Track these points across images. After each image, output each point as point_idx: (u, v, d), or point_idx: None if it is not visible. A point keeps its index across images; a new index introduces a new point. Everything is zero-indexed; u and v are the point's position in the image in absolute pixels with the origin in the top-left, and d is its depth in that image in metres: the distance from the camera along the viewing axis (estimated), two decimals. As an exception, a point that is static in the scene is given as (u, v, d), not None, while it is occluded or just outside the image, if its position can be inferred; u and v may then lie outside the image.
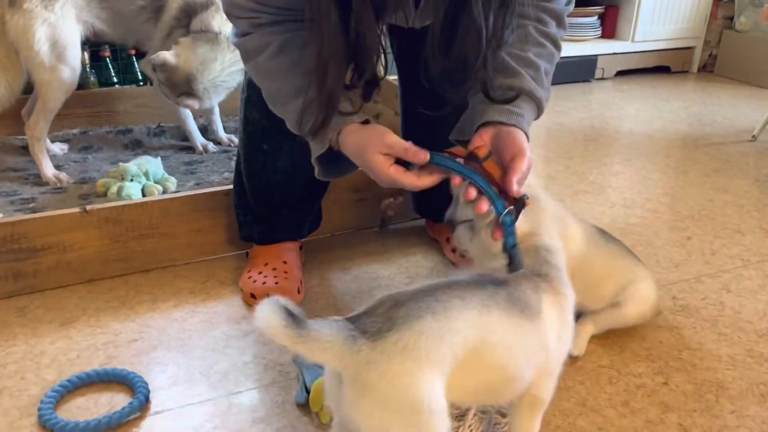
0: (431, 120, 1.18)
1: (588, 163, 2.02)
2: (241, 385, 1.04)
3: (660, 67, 3.20)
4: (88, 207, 1.27)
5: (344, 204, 1.49)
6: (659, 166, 2.00)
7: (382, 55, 0.97)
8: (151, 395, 1.01)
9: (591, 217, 1.63)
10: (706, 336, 1.18)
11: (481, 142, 0.91)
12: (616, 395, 1.03)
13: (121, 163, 1.64)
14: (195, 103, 1.84)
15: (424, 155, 0.89)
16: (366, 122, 0.97)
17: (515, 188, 0.83)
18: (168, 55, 1.70)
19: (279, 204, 1.28)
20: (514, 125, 0.92)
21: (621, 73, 3.09)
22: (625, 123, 2.45)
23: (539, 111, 0.99)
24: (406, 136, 1.46)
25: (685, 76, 3.20)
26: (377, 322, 0.67)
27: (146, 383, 1.02)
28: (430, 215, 1.51)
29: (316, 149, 1.00)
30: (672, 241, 1.52)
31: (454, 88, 0.98)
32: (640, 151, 2.14)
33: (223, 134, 2.03)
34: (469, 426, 0.93)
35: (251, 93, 1.19)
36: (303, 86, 0.95)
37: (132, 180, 1.60)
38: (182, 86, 1.79)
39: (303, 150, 1.05)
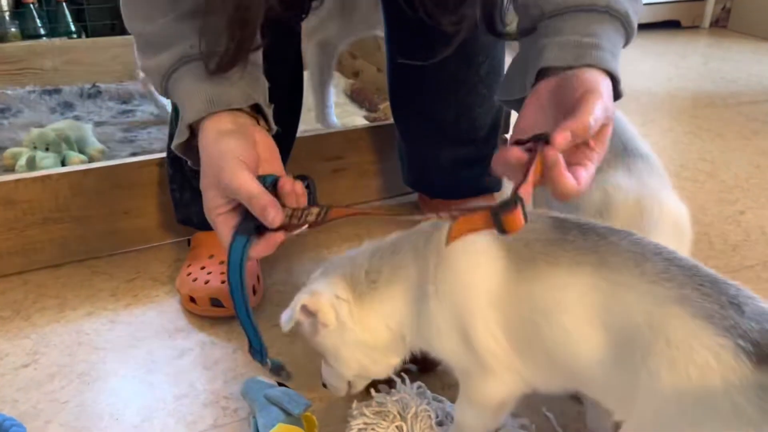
0: (424, 70, 0.88)
1: (605, 126, 1.72)
2: (169, 431, 0.73)
3: (668, 23, 2.90)
4: (-33, 183, 0.94)
5: (316, 176, 1.17)
6: (689, 128, 1.70)
7: None
8: (34, 453, 0.70)
9: (620, 189, 1.34)
10: (792, 343, 0.90)
11: (528, 121, 0.58)
12: (693, 435, 0.74)
13: (33, 128, 1.30)
14: None
15: (275, 216, 0.58)
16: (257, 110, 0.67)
17: (560, 136, 0.52)
18: None
19: None
20: (590, 65, 0.59)
21: (628, 28, 2.79)
22: (640, 81, 2.15)
23: (627, 31, 0.64)
24: (393, 93, 1.14)
25: (695, 31, 2.90)
26: None
27: (28, 435, 0.71)
28: (423, 188, 1.21)
29: (179, 135, 0.67)
30: (723, 217, 1.23)
31: (448, 15, 0.66)
32: (664, 111, 1.85)
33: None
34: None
35: None
36: (182, 34, 0.64)
37: (48, 149, 1.27)
38: None
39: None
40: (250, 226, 0.60)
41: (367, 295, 0.63)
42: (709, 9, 2.93)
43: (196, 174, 0.97)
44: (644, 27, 2.83)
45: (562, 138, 0.52)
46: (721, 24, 2.97)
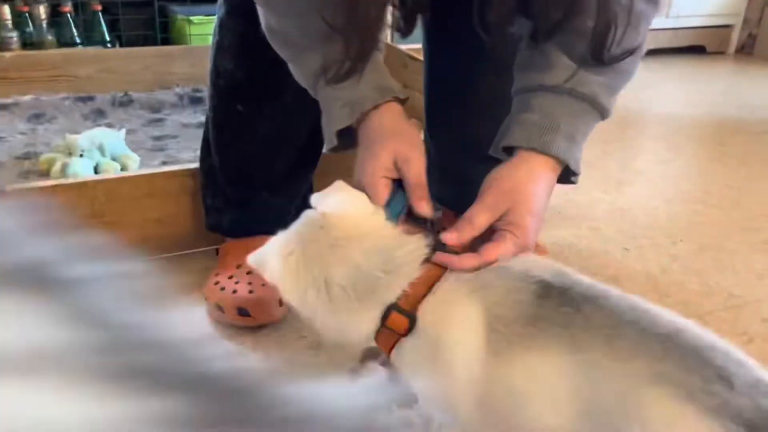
0: (461, 85, 0.89)
1: (630, 149, 1.72)
2: (196, 438, 0.75)
3: (694, 48, 2.90)
4: (7, 187, 0.97)
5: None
6: (714, 155, 1.70)
7: None
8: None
9: (644, 213, 1.34)
10: (818, 375, 0.89)
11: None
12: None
13: (68, 135, 1.34)
14: None
15: (425, 207, 0.64)
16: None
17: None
18: None
19: (257, 184, 0.98)
20: (535, 149, 0.64)
21: (653, 53, 2.79)
22: (664, 105, 2.15)
23: (599, 111, 0.67)
24: (430, 108, 1.15)
25: (721, 57, 2.90)
26: None
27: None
28: (449, 204, 1.21)
29: (341, 118, 0.71)
30: (748, 245, 1.23)
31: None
32: (689, 137, 1.85)
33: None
34: None
35: (223, 37, 0.90)
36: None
37: (82, 155, 1.30)
38: None
39: (291, 114, 0.76)
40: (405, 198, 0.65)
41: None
42: (735, 35, 2.93)
43: (230, 183, 0.99)
44: (669, 52, 2.84)
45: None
46: (746, 50, 2.97)
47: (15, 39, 1.92)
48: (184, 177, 1.07)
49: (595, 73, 0.66)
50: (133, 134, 1.59)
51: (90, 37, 1.96)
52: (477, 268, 0.58)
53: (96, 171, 1.31)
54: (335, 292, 0.59)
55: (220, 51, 0.91)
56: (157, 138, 1.58)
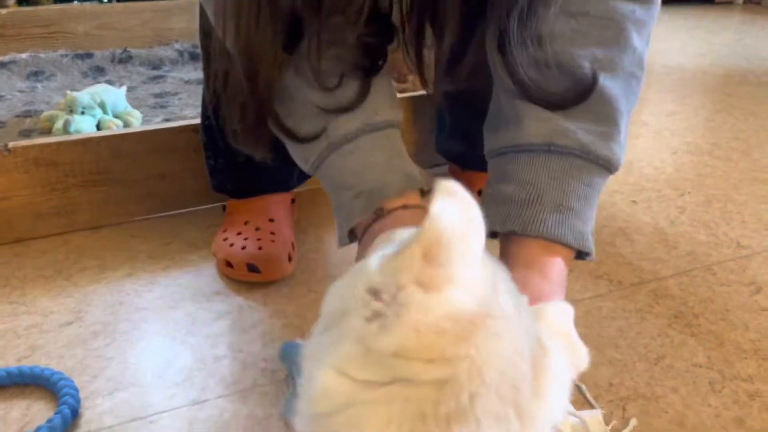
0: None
1: (636, 102, 1.70)
2: (209, 390, 0.76)
3: (701, -3, 2.85)
4: (10, 144, 0.96)
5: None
6: (722, 106, 1.68)
7: None
8: (81, 406, 0.72)
9: (651, 166, 1.33)
10: (825, 323, 0.90)
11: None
12: (725, 409, 0.75)
13: (69, 92, 1.32)
14: None
15: None
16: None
17: None
18: None
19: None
20: (513, 231, 0.49)
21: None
22: (672, 56, 2.12)
23: (596, 162, 0.50)
24: (441, 70, 1.13)
25: (728, 7, 2.84)
26: None
27: (76, 389, 0.73)
28: (456, 159, 1.21)
29: (353, 212, 0.57)
30: (756, 197, 1.23)
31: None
32: (696, 88, 1.82)
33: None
34: None
35: None
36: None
37: (83, 112, 1.28)
38: None
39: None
40: None
41: None
42: (744, -16, 2.87)
43: (230, 145, 0.98)
44: (676, 1, 2.78)
45: None
46: (754, 0, 2.91)
47: (9, -5, 1.88)
48: (187, 132, 1.06)
49: (578, 115, 0.49)
50: (133, 91, 1.57)
51: (86, -8, 1.92)
52: None
53: (98, 128, 1.30)
54: None
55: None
56: (158, 95, 1.56)
